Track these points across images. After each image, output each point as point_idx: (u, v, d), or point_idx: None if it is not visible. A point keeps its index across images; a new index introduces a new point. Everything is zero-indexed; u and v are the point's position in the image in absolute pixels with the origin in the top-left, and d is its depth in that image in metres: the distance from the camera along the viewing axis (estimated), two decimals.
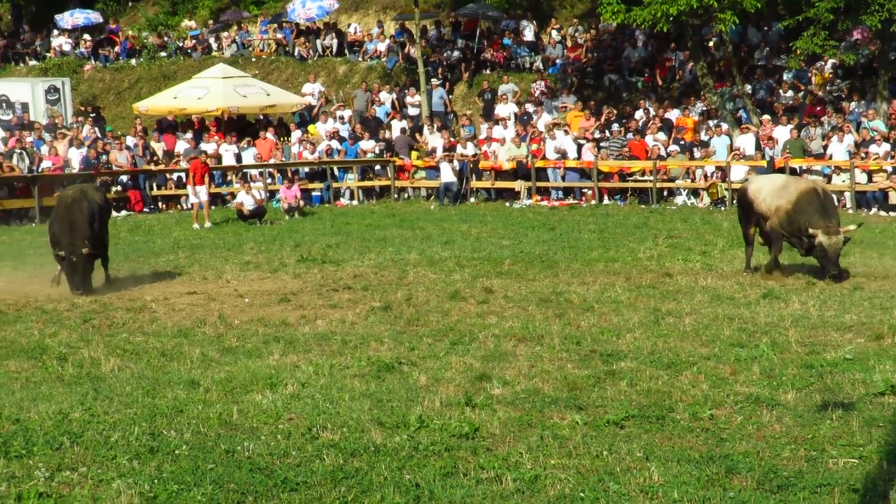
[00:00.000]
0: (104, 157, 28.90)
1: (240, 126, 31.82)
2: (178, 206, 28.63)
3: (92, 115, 33.71)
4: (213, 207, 26.70)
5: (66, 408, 9.17)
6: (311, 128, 31.45)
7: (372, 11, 38.92)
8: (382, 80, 34.36)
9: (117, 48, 39.52)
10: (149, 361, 11.18)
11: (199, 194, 25.23)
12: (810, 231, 15.08)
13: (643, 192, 27.32)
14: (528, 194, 27.97)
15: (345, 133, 30.69)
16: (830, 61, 28.61)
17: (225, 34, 38.66)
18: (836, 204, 25.10)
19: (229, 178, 29.73)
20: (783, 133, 26.56)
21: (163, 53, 39.19)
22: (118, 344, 12.06)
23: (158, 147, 30.32)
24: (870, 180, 25.13)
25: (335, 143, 30.00)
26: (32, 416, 8.92)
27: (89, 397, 9.56)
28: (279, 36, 37.99)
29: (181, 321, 13.45)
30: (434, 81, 32.60)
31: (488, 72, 34.00)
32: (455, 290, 14.97)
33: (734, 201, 22.15)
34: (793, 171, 25.56)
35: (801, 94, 28.99)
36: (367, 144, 30.04)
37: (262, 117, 32.54)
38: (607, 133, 28.55)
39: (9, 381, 10.56)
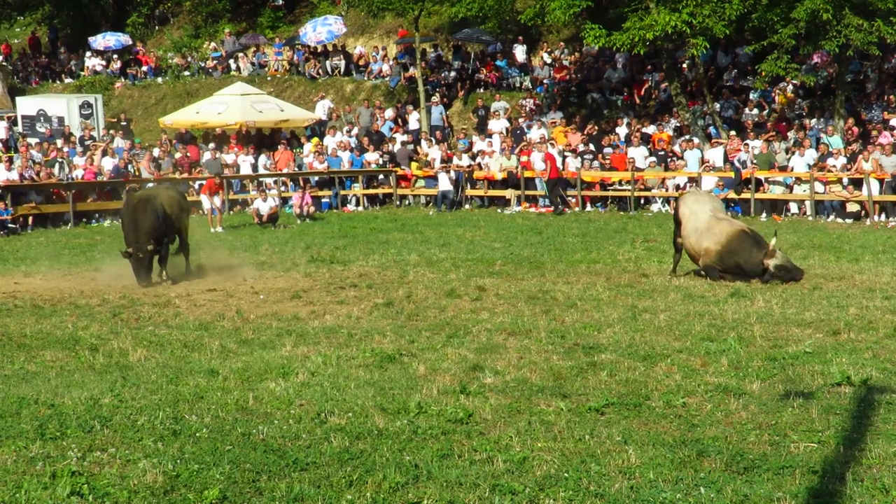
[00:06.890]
0: (131, 166, 28.85)
1: (257, 139, 31.77)
2: (200, 210, 28.54)
3: (122, 125, 33.62)
4: (230, 213, 26.91)
5: (96, 394, 9.15)
6: (314, 140, 31.21)
7: (376, 35, 38.86)
8: (386, 98, 34.33)
9: (144, 67, 39.48)
10: (172, 352, 11.16)
11: (213, 202, 25.30)
12: (764, 264, 14.91)
13: (622, 200, 27.28)
14: (517, 202, 27.94)
15: (353, 145, 30.63)
16: (792, 82, 28.63)
17: (242, 55, 38.58)
18: (798, 212, 25.46)
19: (246, 185, 29.63)
20: (753, 147, 26.52)
21: (186, 73, 39.14)
22: (145, 336, 12.04)
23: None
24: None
25: (346, 154, 29.89)
26: (66, 402, 8.90)
27: (118, 384, 9.55)
28: (293, 57, 37.94)
29: (202, 315, 13.43)
30: (433, 99, 32.55)
31: (482, 90, 33.98)
32: (451, 288, 14.95)
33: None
34: (758, 182, 25.60)
35: (765, 112, 29.01)
36: (372, 156, 30.02)
37: (276, 130, 32.47)
38: (591, 147, 28.53)
39: (45, 369, 10.54)
